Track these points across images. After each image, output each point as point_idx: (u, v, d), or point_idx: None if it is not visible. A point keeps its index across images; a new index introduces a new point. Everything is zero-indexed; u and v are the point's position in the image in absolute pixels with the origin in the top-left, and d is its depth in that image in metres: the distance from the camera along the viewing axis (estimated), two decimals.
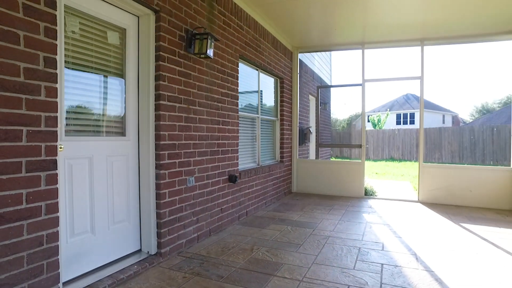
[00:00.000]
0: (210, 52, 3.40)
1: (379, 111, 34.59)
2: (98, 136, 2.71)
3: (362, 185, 6.40)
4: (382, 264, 3.07)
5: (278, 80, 6.41)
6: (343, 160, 15.53)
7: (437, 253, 3.37)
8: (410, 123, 34.42)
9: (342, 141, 19.39)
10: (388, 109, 35.09)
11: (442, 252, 3.42)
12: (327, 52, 10.38)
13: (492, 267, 3.03)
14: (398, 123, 35.08)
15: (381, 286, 2.62)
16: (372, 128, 28.18)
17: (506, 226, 4.42)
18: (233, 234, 3.95)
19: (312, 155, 8.93)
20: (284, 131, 6.47)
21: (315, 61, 9.17)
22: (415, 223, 4.55)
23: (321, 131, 9.37)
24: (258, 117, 5.48)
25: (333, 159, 17.23)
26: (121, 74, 2.92)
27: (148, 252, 3.07)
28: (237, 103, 4.50)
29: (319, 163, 6.90)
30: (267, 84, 6.00)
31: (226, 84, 4.22)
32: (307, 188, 6.82)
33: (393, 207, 5.55)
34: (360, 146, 6.50)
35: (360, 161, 6.44)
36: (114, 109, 2.86)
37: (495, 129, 14.45)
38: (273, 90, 6.33)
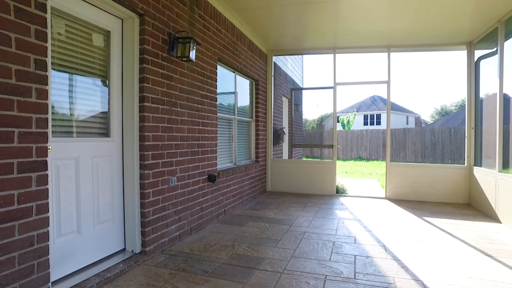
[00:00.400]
0: (193, 55, 3.50)
1: (347, 112, 35.77)
2: (84, 137, 2.74)
3: (334, 184, 6.71)
4: (355, 256, 3.32)
5: (254, 82, 6.58)
6: (316, 159, 16.00)
7: (403, 244, 3.68)
8: (376, 124, 35.88)
9: (313, 141, 19.94)
10: (355, 110, 36.36)
11: (407, 243, 3.73)
12: (299, 55, 10.71)
13: (448, 253, 3.36)
14: (365, 124, 36.45)
15: (355, 274, 2.86)
16: (341, 129, 29.12)
17: (461, 218, 4.86)
18: (214, 232, 4.07)
19: (285, 155, 9.19)
20: (259, 132, 6.65)
21: (288, 64, 9.45)
22: (383, 218, 4.89)
23: (294, 131, 9.66)
24: (234, 118, 5.62)
25: (304, 158, 17.70)
26: (105, 75, 2.95)
27: (132, 251, 3.13)
28: (216, 104, 4.62)
29: (293, 163, 7.15)
30: (243, 86, 6.16)
31: (206, 86, 4.32)
32: (281, 187, 7.04)
33: (363, 204, 5.89)
34: (331, 146, 6.81)
35: (331, 160, 6.75)
36: (99, 110, 2.90)
37: (452, 130, 15.52)
38: (249, 92, 6.49)
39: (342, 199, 6.28)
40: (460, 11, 4.76)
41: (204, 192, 4.30)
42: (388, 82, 6.36)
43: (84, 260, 2.70)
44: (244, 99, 6.23)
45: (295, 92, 10.02)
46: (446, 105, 46.05)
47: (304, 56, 11.28)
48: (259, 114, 6.63)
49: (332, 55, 6.73)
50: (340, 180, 7.82)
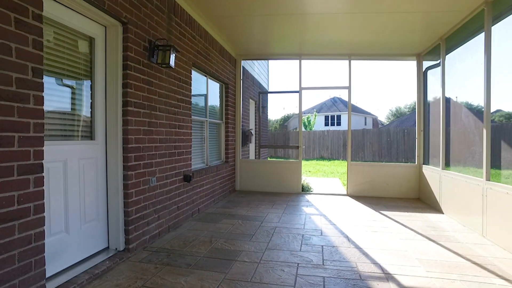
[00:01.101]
0: (172, 62, 3.70)
1: (308, 113, 36.97)
2: (71, 140, 2.86)
3: (299, 182, 7.15)
4: (322, 246, 3.70)
5: (224, 85, 6.83)
6: (283, 159, 16.50)
7: (363, 235, 4.14)
8: (337, 125, 37.42)
9: (277, 141, 20.51)
10: (315, 110, 37.67)
11: (367, 233, 4.20)
12: (265, 60, 11.11)
13: (401, 240, 3.87)
14: (326, 124, 37.88)
15: (323, 261, 3.23)
16: (304, 129, 30.08)
17: (412, 211, 5.47)
18: (190, 229, 4.28)
19: (252, 155, 9.53)
20: (229, 133, 6.91)
21: (255, 68, 9.79)
22: (345, 212, 5.36)
23: (261, 133, 10.03)
24: (206, 120, 5.84)
25: (269, 159, 18.19)
26: (89, 80, 3.08)
27: (116, 248, 3.27)
28: (191, 108, 4.82)
29: (261, 163, 7.49)
30: (214, 89, 6.39)
31: (182, 90, 4.52)
32: (250, 186, 7.35)
33: (327, 201, 6.36)
34: (297, 147, 7.24)
35: (297, 160, 7.18)
36: (84, 114, 3.02)
37: (405, 131, 16.80)
38: (219, 95, 6.73)
39: (307, 197, 6.72)
40: (410, 28, 5.36)
41: (180, 192, 4.49)
42: (349, 88, 6.90)
43: (72, 258, 2.82)
44: (215, 102, 6.46)
45: (261, 94, 10.40)
46: (401, 107, 49.13)
47: (270, 61, 11.71)
48: (228, 116, 6.88)
49: (298, 61, 7.16)
50: (305, 179, 8.30)
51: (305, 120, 33.07)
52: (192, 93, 4.99)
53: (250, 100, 9.14)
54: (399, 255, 3.43)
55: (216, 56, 5.99)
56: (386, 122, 48.11)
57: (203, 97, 5.81)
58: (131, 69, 3.29)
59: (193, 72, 5.10)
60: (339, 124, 38.03)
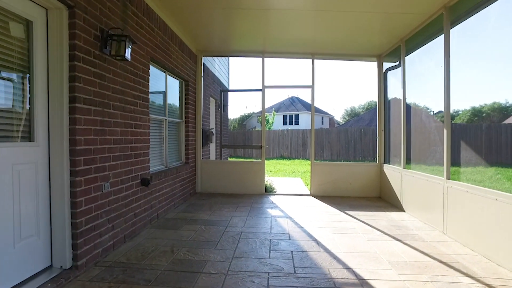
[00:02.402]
0: (128, 54, 3.32)
1: (267, 112, 37.15)
2: (0, 141, 2.40)
3: (263, 183, 6.98)
4: (292, 251, 3.54)
5: (184, 82, 6.46)
6: (246, 160, 16.27)
7: (331, 237, 4.05)
8: (295, 124, 37.99)
9: (236, 141, 20.27)
10: (274, 110, 37.98)
11: (335, 235, 4.12)
12: (225, 58, 10.81)
13: (369, 241, 3.82)
14: (284, 123, 38.31)
15: (294, 269, 3.06)
16: (260, 128, 30.09)
17: (375, 210, 5.52)
18: (149, 238, 3.91)
19: (213, 155, 9.21)
20: (189, 133, 6.56)
21: (216, 65, 9.47)
22: (311, 214, 5.28)
23: (222, 132, 9.73)
24: (165, 119, 5.45)
25: (230, 159, 17.91)
26: (27, 71, 2.63)
27: (61, 266, 2.84)
28: (148, 105, 4.43)
29: (222, 164, 7.22)
30: (174, 86, 6.00)
31: (138, 86, 4.12)
32: (211, 188, 7.05)
33: (291, 201, 6.25)
34: (260, 147, 7.06)
35: (260, 160, 7.00)
36: (19, 111, 2.56)
37: (362, 130, 17.39)
38: (179, 92, 6.35)
39: (271, 198, 6.57)
40: (371, 28, 5.39)
41: (137, 197, 4.10)
42: (312, 87, 6.85)
43: (3, 285, 2.37)
44: (174, 100, 6.08)
45: (222, 93, 10.11)
46: (355, 107, 51.27)
47: (230, 58, 11.43)
48: (188, 115, 6.53)
49: (261, 59, 6.98)
50: (268, 179, 8.16)
51: (260, 119, 33.08)
52: (150, 90, 4.60)
53: (211, 98, 8.81)
54: (370, 258, 3.36)
55: (176, 51, 5.62)
56: (341, 121, 49.96)
57: (162, 95, 5.42)
58: (79, 61, 2.88)
59: (151, 67, 4.71)
60: (297, 123, 38.64)
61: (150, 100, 4.63)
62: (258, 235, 4.11)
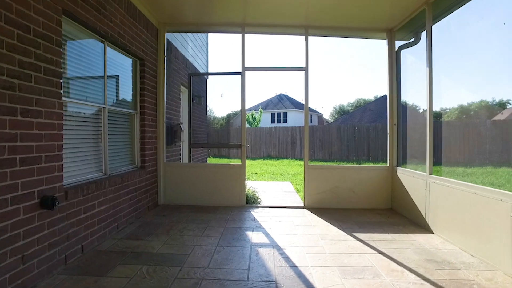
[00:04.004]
0: None
1: (254, 110, 35.70)
2: None
3: (243, 192, 5.46)
4: None
5: (138, 61, 4.89)
6: (221, 163, 14.69)
7: (343, 286, 2.57)
8: (283, 122, 36.68)
9: (220, 139, 18.68)
10: (261, 107, 36.59)
11: (348, 282, 2.64)
12: (203, 39, 9.21)
13: None
14: (272, 121, 36.96)
15: None
16: (249, 126, 28.66)
17: (392, 230, 4.09)
18: None
19: (186, 156, 7.63)
20: (146, 128, 5.00)
21: (189, 48, 7.90)
22: (308, 240, 3.80)
23: (195, 128, 8.17)
24: (104, 108, 3.89)
25: (211, 159, 16.32)
26: None
27: None
28: (59, 83, 2.87)
29: (193, 167, 5.68)
30: (120, 64, 4.44)
31: (34, 49, 2.56)
32: (178, 199, 5.51)
33: (280, 218, 4.76)
34: (239, 146, 5.55)
35: (240, 163, 5.49)
36: None
37: (356, 128, 16.02)
38: (132, 74, 4.78)
39: (254, 213, 5.05)
40: None
41: (31, 228, 2.53)
42: (305, 69, 5.37)
43: None
44: (123, 84, 4.52)
45: (197, 82, 8.52)
46: (344, 105, 50.23)
47: (210, 40, 9.84)
48: (145, 104, 4.97)
49: (240, 35, 5.47)
50: (250, 184, 6.66)
51: (249, 116, 31.75)
52: (73, 64, 3.05)
53: (182, 87, 7.26)
54: None
55: (121, 14, 4.06)
56: (330, 120, 48.88)
57: (99, 73, 3.86)
58: None
59: (71, 29, 3.15)
60: (285, 121, 37.39)
61: (75, 80, 3.08)
62: (227, 285, 2.59)
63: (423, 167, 4.36)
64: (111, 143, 4.12)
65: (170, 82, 6.40)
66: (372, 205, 5.38)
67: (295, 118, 36.84)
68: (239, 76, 5.46)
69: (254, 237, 3.85)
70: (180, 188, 5.51)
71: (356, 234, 3.95)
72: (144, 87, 4.94)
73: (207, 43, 9.80)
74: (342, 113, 48.44)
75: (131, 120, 4.78)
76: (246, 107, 5.53)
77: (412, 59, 4.98)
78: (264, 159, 17.43)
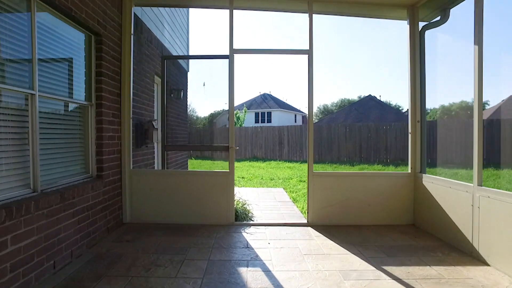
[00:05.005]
0: None
1: (238, 109, 34.56)
2: None
3: (231, 207, 4.34)
4: None
5: (93, 37, 3.69)
6: (204, 170, 13.49)
7: None
8: (267, 122, 35.72)
9: (203, 140, 17.42)
10: (245, 107, 35.54)
11: None
12: (183, 22, 7.97)
13: None
14: (256, 121, 35.94)
15: None
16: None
17: (433, 260, 3.07)
18: None
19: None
20: (105, 126, 3.81)
21: (166, 32, 6.72)
22: (326, 281, 2.71)
23: (173, 127, 6.97)
24: (33, 95, 2.69)
25: (192, 160, 15.04)
26: None
27: None
28: None
29: (168, 176, 4.51)
30: (64, 38, 3.23)
31: None
32: (148, 215, 4.33)
33: (280, 242, 3.66)
34: (227, 148, 4.42)
35: (227, 170, 4.36)
36: None
37: (347, 128, 15.12)
38: (82, 53, 3.59)
39: (246, 234, 3.94)
40: None
41: None
42: (309, 52, 4.31)
43: None
44: (69, 65, 3.32)
45: (175, 72, 7.30)
46: (328, 105, 49.67)
47: (191, 24, 8.59)
48: (104, 94, 3.78)
49: (227, 11, 4.35)
50: (240, 197, 5.55)
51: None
52: None
53: (157, 77, 6.07)
54: None
55: None
56: (315, 120, 48.29)
57: (25, 48, 2.66)
58: None
59: None
60: (269, 121, 36.52)
61: None
62: None
63: (464, 175, 3.36)
64: (46, 146, 2.92)
65: (141, 70, 5.21)
66: (391, 221, 4.38)
67: (279, 118, 36.03)
68: (226, 62, 4.35)
69: (250, 277, 2.74)
70: (152, 202, 4.34)
71: (388, 269, 2.91)
72: (101, 72, 3.74)
73: (188, 27, 8.58)
74: (326, 113, 47.94)
75: (83, 114, 3.59)
76: (228, 107, 4.42)
77: (445, 40, 4.00)
78: (250, 161, 16.28)
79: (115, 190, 4.08)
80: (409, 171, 4.42)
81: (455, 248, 3.46)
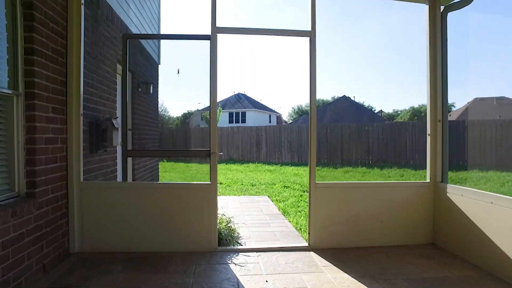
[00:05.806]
0: None
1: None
2: None
3: (213, 228, 3.40)
4: None
5: None
6: (180, 182, 12.23)
7: None
8: (241, 122, 34.86)
9: (176, 141, 16.21)
10: (220, 106, 34.52)
11: None
12: (154, 5, 6.88)
13: None
14: (230, 122, 34.99)
15: None
16: (206, 126, 26.40)
17: None
18: None
19: (129, 170, 5.32)
20: (40, 124, 2.77)
21: (132, 13, 5.64)
22: None
23: (140, 126, 5.91)
24: None
25: (164, 163, 13.82)
26: None
27: None
28: None
29: (132, 189, 3.51)
30: None
31: None
32: (105, 242, 3.32)
33: (280, 279, 2.77)
34: (208, 153, 3.47)
35: (208, 183, 3.42)
36: None
37: (328, 128, 14.51)
38: (6, 21, 2.53)
39: (234, 267, 3.01)
40: None
41: None
42: (312, 35, 3.46)
43: None
44: None
45: (143, 62, 6.20)
46: (302, 105, 49.59)
47: (163, 9, 7.51)
48: (38, 81, 2.73)
49: None
50: (221, 208, 4.60)
51: (206, 115, 29.53)
52: None
53: (120, 66, 5.02)
54: None
55: None
56: (290, 120, 48.05)
57: None
58: None
59: None
60: (244, 121, 35.72)
61: None
62: None
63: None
64: None
65: (97, 54, 4.15)
66: (406, 240, 3.62)
67: (254, 118, 35.33)
68: (207, 45, 3.42)
69: None
70: (110, 224, 3.33)
71: None
72: (33, 49, 2.69)
73: (159, 7, 7.48)
74: (301, 113, 47.82)
75: (5, 107, 2.53)
76: (202, 107, 3.56)
77: (480, 21, 3.29)
78: (226, 163, 15.28)
79: (57, 211, 3.04)
80: (428, 180, 3.68)
81: (499, 279, 2.73)
